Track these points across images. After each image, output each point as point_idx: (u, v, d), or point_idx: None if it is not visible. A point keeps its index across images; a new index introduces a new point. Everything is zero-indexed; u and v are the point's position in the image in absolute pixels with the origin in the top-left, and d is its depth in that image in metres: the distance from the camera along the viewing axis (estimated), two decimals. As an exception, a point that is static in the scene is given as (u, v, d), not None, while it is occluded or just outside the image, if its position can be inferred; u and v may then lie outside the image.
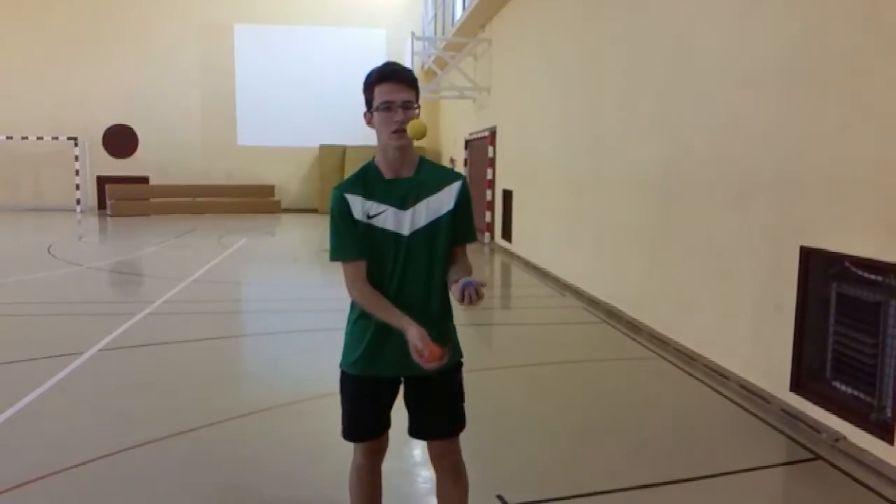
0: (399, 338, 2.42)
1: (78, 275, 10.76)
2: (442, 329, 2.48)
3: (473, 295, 2.21)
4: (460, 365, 2.62)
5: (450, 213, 2.46)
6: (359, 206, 2.42)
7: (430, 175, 2.49)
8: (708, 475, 3.89)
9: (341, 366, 2.58)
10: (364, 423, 2.58)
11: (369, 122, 2.43)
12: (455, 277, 2.36)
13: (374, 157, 2.51)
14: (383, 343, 2.46)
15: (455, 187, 2.49)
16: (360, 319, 2.51)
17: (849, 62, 4.20)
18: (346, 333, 2.57)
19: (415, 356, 2.25)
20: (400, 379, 2.56)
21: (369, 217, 2.41)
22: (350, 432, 2.60)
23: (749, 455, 4.18)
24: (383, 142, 2.40)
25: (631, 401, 5.20)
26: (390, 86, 2.33)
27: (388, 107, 2.33)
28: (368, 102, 2.40)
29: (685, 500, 3.66)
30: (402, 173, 2.45)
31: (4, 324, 7.46)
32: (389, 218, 2.41)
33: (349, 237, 2.43)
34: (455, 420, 2.58)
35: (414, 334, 2.26)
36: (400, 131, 2.34)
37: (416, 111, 2.38)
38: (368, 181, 2.45)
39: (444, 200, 2.46)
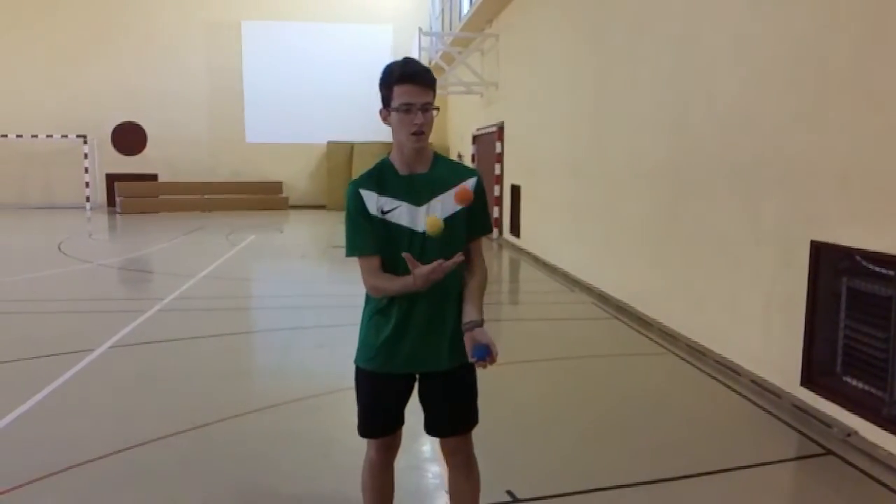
0: (415, 334, 2.43)
1: (88, 272, 10.82)
2: (455, 328, 2.47)
3: (486, 364, 2.29)
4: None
5: (465, 209, 2.45)
6: (373, 202, 2.42)
7: (445, 171, 2.48)
8: (718, 470, 3.88)
9: (356, 362, 2.58)
10: (379, 419, 2.59)
11: (385, 119, 2.42)
12: (466, 316, 2.39)
13: (389, 154, 2.51)
14: (399, 340, 2.46)
15: (470, 184, 2.48)
16: (375, 315, 2.50)
17: (858, 56, 4.17)
18: (361, 329, 2.57)
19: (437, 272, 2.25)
20: (415, 376, 2.56)
21: (384, 213, 2.41)
22: (365, 428, 2.61)
23: (760, 450, 4.17)
24: (400, 141, 2.40)
25: (641, 396, 5.19)
26: (411, 88, 2.31)
27: (407, 109, 2.32)
28: (386, 100, 2.38)
29: (696, 495, 3.66)
30: (416, 169, 2.45)
31: (16, 321, 7.50)
32: (404, 214, 2.41)
33: (364, 233, 2.43)
34: (469, 416, 2.59)
35: (420, 272, 2.26)
36: (419, 133, 2.34)
37: (435, 112, 2.38)
38: (383, 177, 2.45)
39: None
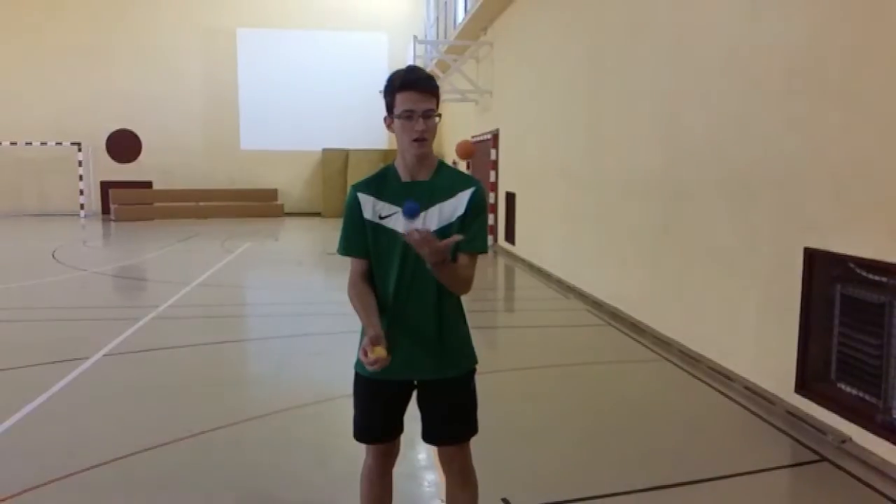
0: (407, 342, 2.44)
1: (82, 280, 10.79)
2: (452, 336, 2.49)
3: (418, 237, 2.15)
4: (474, 371, 2.62)
5: (460, 218, 2.44)
6: (370, 206, 2.44)
7: (446, 180, 2.48)
8: (713, 478, 3.89)
9: (356, 366, 2.58)
10: (376, 425, 2.59)
11: (389, 127, 2.44)
12: None
13: (395, 160, 2.53)
14: (393, 347, 2.45)
15: (468, 193, 2.46)
16: None
17: (852, 64, 4.21)
18: (361, 333, 2.57)
19: (360, 355, 2.26)
20: (414, 383, 2.57)
21: (381, 218, 2.44)
22: (362, 434, 2.61)
23: (754, 457, 4.18)
24: (403, 148, 2.42)
25: (635, 403, 5.20)
26: (412, 94, 2.33)
27: (409, 115, 2.34)
28: (389, 107, 2.40)
29: (690, 502, 3.66)
30: (418, 177, 2.46)
31: (10, 329, 7.48)
32: (400, 220, 2.43)
33: (355, 235, 2.47)
34: (467, 426, 2.59)
35: (368, 337, 2.26)
36: (420, 140, 2.36)
37: (437, 120, 2.39)
38: (384, 182, 2.48)
39: (456, 206, 2.44)
